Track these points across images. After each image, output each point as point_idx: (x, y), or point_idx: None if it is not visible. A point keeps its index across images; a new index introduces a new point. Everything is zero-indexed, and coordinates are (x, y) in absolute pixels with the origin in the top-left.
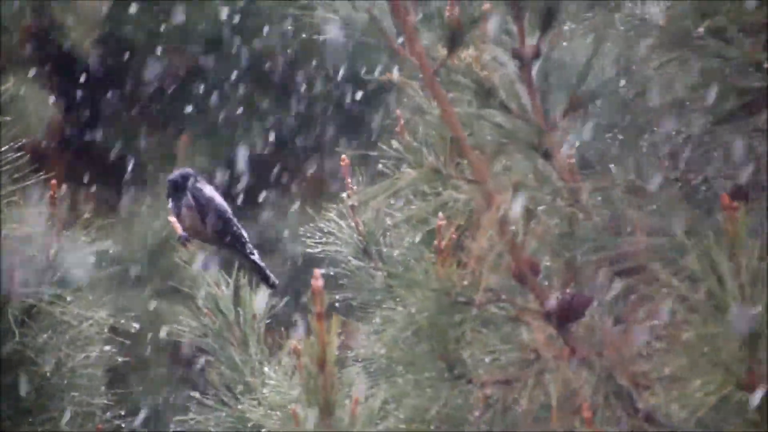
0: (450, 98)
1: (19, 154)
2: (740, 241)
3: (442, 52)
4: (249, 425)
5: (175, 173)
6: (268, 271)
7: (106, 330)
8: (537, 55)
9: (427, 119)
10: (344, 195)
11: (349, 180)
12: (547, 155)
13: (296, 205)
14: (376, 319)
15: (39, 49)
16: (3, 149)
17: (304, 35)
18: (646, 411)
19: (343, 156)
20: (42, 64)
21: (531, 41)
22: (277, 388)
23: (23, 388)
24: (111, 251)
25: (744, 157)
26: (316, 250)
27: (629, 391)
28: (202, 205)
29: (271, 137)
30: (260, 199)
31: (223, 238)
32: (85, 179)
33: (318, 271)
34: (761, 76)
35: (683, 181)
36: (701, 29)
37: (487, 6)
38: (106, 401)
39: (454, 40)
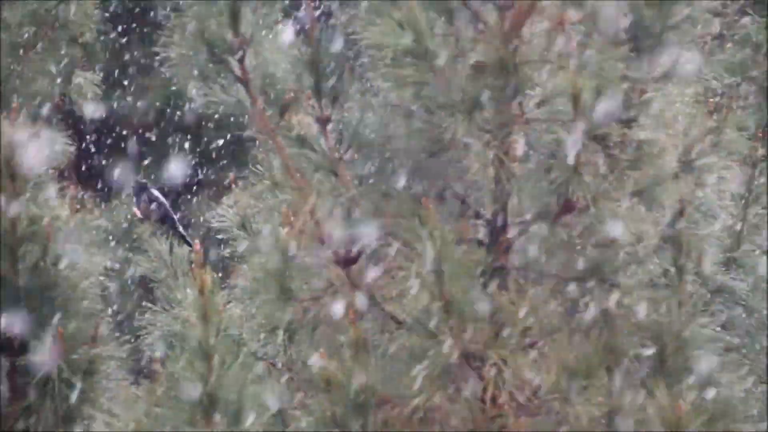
0: (284, 143)
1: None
2: (434, 224)
3: (276, 118)
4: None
5: (139, 183)
6: (187, 237)
7: (101, 268)
8: (329, 119)
9: (271, 155)
10: (227, 198)
11: (234, 185)
12: (335, 174)
13: (206, 201)
14: (244, 265)
15: (63, 112)
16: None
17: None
18: (391, 314)
19: (231, 174)
20: (65, 119)
21: (327, 112)
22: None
23: (55, 298)
24: (103, 227)
25: (438, 176)
26: (215, 225)
27: (382, 305)
28: (154, 201)
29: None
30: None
31: (164, 220)
32: (88, 187)
33: (197, 242)
34: (451, 132)
35: (413, 190)
36: (415, 107)
37: (309, 94)
38: (101, 307)
39: (284, 111)
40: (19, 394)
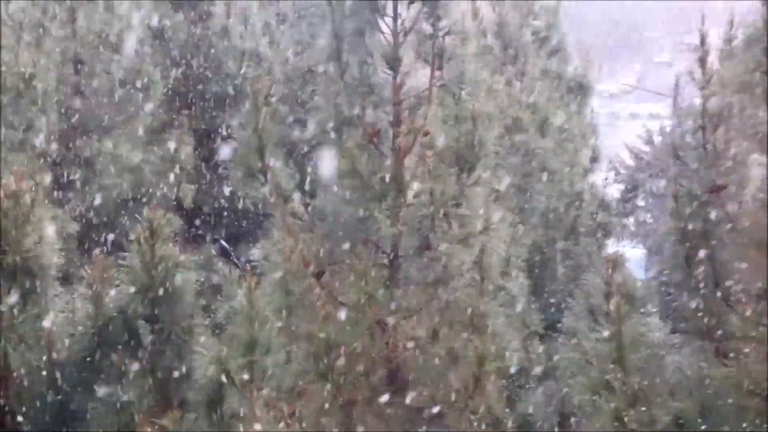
0: (286, 217)
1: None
2: (362, 257)
3: (282, 204)
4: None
5: (215, 238)
6: (239, 264)
7: (194, 281)
8: (309, 205)
9: (280, 223)
10: (259, 244)
11: (261, 238)
12: (312, 232)
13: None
14: (266, 277)
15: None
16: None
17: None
18: (341, 301)
19: (259, 233)
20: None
21: (307, 201)
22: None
23: (172, 296)
24: (195, 260)
25: (364, 233)
26: (252, 258)
27: (336, 296)
28: (223, 246)
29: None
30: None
31: (227, 256)
32: (189, 242)
33: (248, 266)
34: (371, 211)
35: (351, 240)
36: (352, 198)
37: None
38: (194, 300)
39: (287, 201)
40: (155, 344)
